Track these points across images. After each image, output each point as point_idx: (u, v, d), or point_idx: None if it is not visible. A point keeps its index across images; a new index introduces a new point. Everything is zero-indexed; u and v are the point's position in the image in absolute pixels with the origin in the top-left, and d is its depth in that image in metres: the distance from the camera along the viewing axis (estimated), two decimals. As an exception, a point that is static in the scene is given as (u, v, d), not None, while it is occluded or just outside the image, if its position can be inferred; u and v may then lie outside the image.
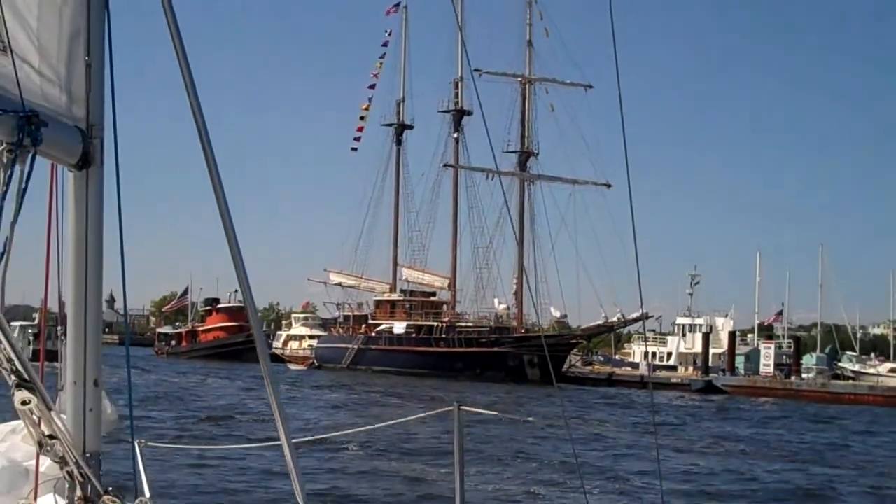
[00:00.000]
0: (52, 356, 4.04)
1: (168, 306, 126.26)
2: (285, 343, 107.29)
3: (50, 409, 3.40)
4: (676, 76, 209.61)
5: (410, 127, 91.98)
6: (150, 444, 6.49)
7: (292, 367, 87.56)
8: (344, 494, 19.10)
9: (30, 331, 53.37)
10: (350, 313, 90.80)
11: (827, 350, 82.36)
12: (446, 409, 6.30)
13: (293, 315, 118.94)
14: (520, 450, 26.77)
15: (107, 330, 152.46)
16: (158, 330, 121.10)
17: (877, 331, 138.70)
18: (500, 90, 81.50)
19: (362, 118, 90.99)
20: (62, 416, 3.52)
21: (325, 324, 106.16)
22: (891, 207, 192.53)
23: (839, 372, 71.59)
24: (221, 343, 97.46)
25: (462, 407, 6.07)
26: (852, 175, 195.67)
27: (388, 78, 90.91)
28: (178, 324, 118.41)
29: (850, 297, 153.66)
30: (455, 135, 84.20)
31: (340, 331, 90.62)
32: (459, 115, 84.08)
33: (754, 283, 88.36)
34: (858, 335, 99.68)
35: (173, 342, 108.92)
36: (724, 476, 24.70)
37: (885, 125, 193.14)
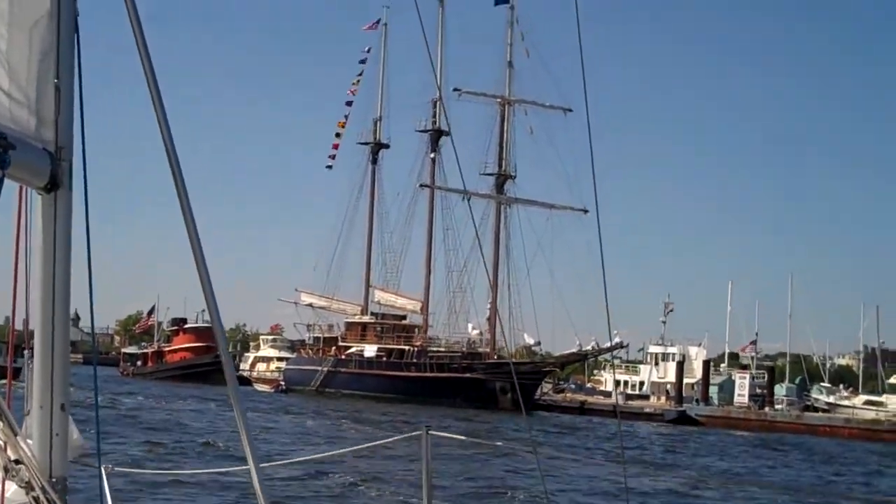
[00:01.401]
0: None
1: (138, 326, 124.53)
2: (253, 365, 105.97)
3: (16, 434, 3.46)
4: (655, 103, 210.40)
5: (387, 146, 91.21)
6: (117, 468, 6.41)
7: (259, 388, 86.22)
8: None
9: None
10: (320, 335, 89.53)
11: (797, 381, 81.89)
12: (415, 433, 6.28)
13: (261, 337, 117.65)
14: (489, 477, 26.06)
15: (71, 348, 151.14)
16: (124, 350, 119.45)
17: (842, 361, 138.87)
18: (479, 111, 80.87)
19: (338, 136, 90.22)
20: (28, 440, 3.54)
21: (293, 346, 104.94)
22: (861, 237, 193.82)
23: (809, 403, 71.07)
24: (188, 364, 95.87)
25: (431, 432, 6.09)
26: (824, 207, 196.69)
27: (366, 96, 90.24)
28: (143, 343, 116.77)
29: (819, 328, 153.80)
30: (432, 155, 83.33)
31: (310, 353, 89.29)
32: (437, 135, 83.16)
33: (726, 311, 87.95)
34: (832, 366, 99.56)
35: (139, 362, 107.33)
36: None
37: (853, 155, 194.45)
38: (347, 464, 25.14)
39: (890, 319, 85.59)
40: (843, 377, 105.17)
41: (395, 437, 9.63)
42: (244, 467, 3.80)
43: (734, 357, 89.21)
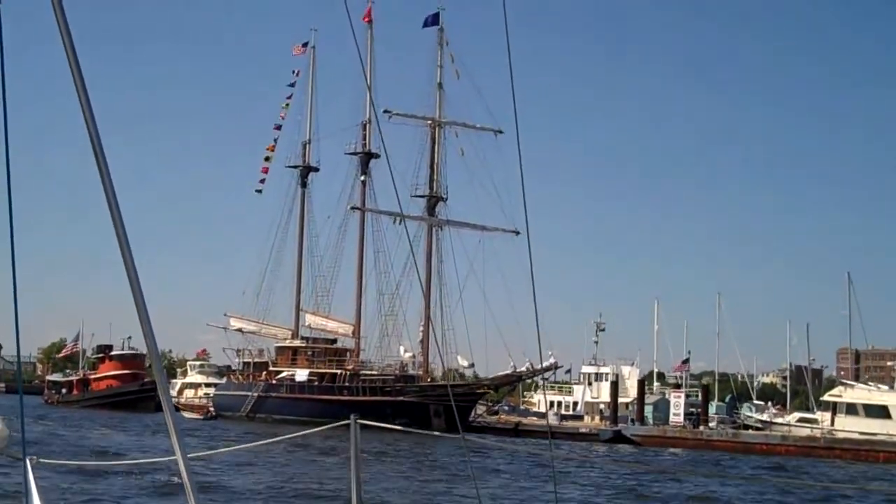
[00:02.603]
0: None
1: (62, 352, 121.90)
2: (181, 391, 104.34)
3: None
4: (582, 121, 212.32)
5: (316, 169, 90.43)
6: (42, 460, 6.35)
7: (187, 416, 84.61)
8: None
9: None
10: (250, 360, 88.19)
11: (726, 399, 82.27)
12: (344, 422, 6.50)
13: (188, 363, 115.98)
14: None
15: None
16: (48, 377, 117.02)
17: (766, 379, 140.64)
18: (410, 133, 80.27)
19: (267, 159, 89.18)
20: None
21: (221, 371, 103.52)
22: (786, 256, 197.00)
23: (739, 421, 71.34)
24: (115, 392, 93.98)
25: (359, 420, 6.33)
26: (749, 224, 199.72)
27: (295, 119, 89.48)
28: (68, 371, 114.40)
29: (744, 347, 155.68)
30: (362, 178, 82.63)
31: (240, 378, 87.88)
32: (367, 157, 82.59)
33: (653, 331, 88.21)
34: (755, 384, 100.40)
35: (64, 390, 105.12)
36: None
37: (783, 170, 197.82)
38: (281, 483, 24.67)
39: (812, 338, 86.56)
40: (768, 395, 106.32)
41: (326, 427, 9.82)
42: (172, 458, 3.74)
43: (661, 377, 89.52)
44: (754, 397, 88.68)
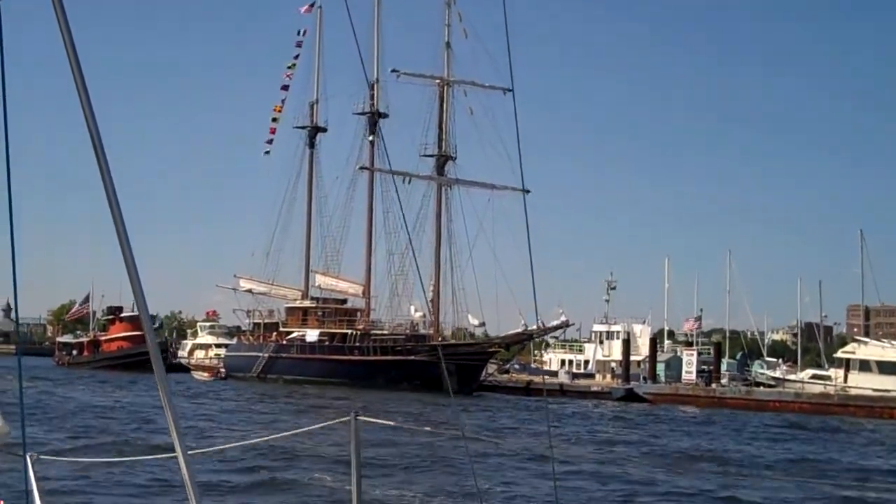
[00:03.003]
0: None
1: (69, 314, 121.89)
2: (191, 352, 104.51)
3: None
4: (593, 79, 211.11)
5: (324, 130, 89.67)
6: (42, 456, 6.30)
7: (197, 376, 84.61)
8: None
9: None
10: (260, 321, 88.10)
11: (737, 356, 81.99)
12: (344, 419, 6.44)
13: (198, 324, 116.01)
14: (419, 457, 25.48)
15: (2, 339, 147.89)
16: (59, 339, 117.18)
17: (776, 336, 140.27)
18: (419, 93, 79.60)
19: (275, 121, 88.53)
20: None
21: (231, 332, 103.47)
22: (793, 214, 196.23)
23: (750, 378, 71.10)
24: (125, 353, 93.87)
25: (359, 417, 6.23)
26: (760, 181, 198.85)
27: (302, 79, 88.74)
28: (78, 333, 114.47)
29: (754, 304, 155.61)
30: (370, 138, 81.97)
31: (250, 339, 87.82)
32: (375, 117, 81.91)
33: (664, 289, 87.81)
34: (767, 341, 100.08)
35: (75, 352, 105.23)
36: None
37: (789, 132, 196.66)
38: (280, 447, 24.48)
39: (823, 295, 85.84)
40: (778, 352, 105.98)
41: (325, 423, 9.57)
42: (172, 455, 3.75)
43: (671, 334, 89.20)
44: (765, 354, 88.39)
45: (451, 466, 24.45)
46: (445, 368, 69.76)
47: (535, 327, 70.35)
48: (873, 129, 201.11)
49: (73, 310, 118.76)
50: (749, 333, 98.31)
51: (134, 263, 3.56)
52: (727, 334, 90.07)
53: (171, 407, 3.72)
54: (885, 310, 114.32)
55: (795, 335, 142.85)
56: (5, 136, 3.55)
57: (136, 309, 69.67)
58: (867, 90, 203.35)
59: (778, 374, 70.61)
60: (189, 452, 3.77)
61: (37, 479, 5.40)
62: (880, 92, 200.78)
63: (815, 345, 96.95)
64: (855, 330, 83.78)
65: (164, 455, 10.41)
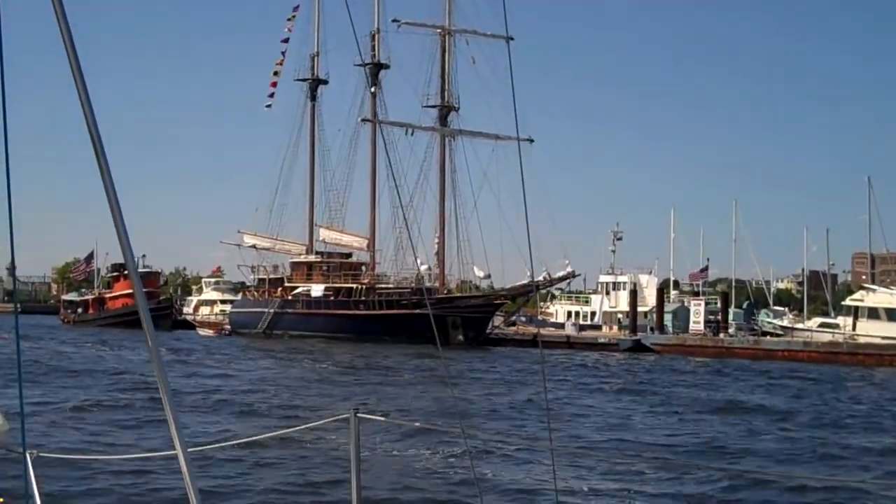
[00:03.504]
0: None
1: (74, 272, 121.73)
2: (196, 308, 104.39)
3: None
4: (598, 32, 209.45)
5: (325, 82, 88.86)
6: (42, 454, 6.34)
7: (202, 332, 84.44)
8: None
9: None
10: (265, 276, 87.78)
11: (744, 306, 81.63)
12: (343, 415, 6.44)
13: (203, 280, 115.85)
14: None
15: (6, 298, 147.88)
16: (64, 297, 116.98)
17: (780, 285, 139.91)
18: (420, 42, 78.68)
19: (276, 74, 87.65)
20: None
21: (236, 288, 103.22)
22: (798, 163, 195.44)
23: (757, 327, 70.70)
24: (130, 310, 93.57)
25: (359, 414, 6.20)
26: (767, 132, 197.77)
27: (302, 31, 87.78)
28: (83, 290, 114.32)
29: (760, 253, 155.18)
30: (372, 89, 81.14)
31: (255, 295, 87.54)
32: (376, 68, 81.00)
33: (669, 238, 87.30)
34: (772, 290, 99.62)
35: (80, 310, 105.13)
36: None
37: (795, 82, 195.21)
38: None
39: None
40: (783, 301, 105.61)
41: (324, 420, 9.37)
42: (172, 452, 3.74)
43: (676, 285, 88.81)
44: (771, 303, 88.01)
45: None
46: (451, 322, 69.41)
47: (541, 278, 69.93)
48: (878, 79, 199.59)
49: (79, 268, 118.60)
50: (754, 283, 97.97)
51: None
52: (733, 283, 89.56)
53: (170, 405, 3.69)
54: (891, 257, 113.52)
55: (801, 284, 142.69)
56: (3, 111, 3.49)
57: (140, 266, 69.52)
58: (869, 43, 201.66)
59: (786, 322, 70.23)
60: (189, 450, 3.78)
61: (36, 477, 5.39)
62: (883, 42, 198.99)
63: (821, 293, 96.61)
64: (863, 278, 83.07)
65: (164, 453, 10.34)
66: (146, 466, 19.53)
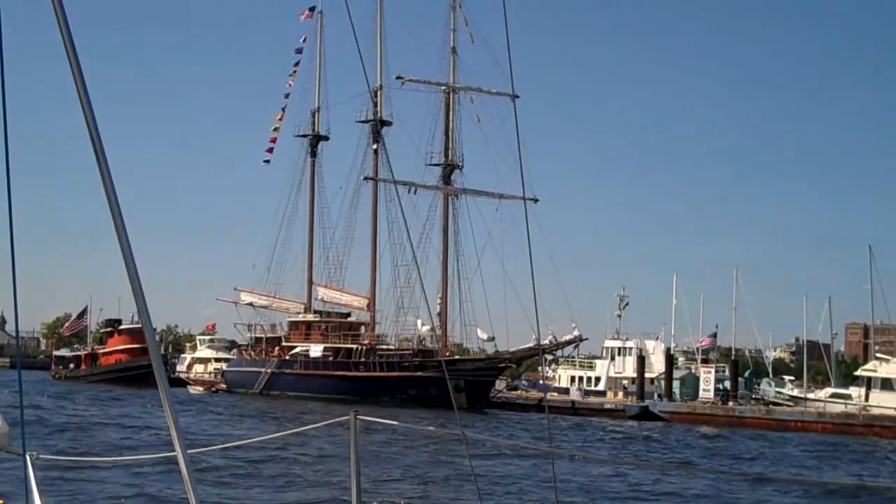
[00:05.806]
0: None
1: (66, 327, 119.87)
2: (190, 366, 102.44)
3: None
4: (606, 95, 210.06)
5: (326, 138, 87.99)
6: (42, 456, 6.29)
7: (192, 390, 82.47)
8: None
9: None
10: (262, 335, 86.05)
11: (746, 374, 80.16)
12: (344, 418, 6.51)
13: (198, 337, 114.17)
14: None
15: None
16: (55, 353, 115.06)
17: (774, 354, 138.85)
18: (424, 99, 77.70)
19: (276, 129, 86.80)
20: None
21: (231, 346, 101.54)
22: (801, 228, 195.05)
23: (759, 397, 69.28)
24: (124, 366, 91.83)
25: (359, 416, 6.30)
26: (770, 201, 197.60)
27: (303, 87, 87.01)
28: (76, 346, 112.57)
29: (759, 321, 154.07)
30: (374, 146, 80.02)
31: (252, 353, 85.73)
32: (379, 125, 79.94)
33: (671, 305, 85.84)
34: (770, 359, 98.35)
35: (72, 365, 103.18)
36: None
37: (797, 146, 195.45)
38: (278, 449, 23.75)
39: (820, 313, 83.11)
40: (779, 370, 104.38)
41: (325, 422, 9.16)
42: (172, 453, 3.71)
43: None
44: (770, 372, 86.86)
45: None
46: (454, 385, 67.63)
47: (546, 342, 68.30)
48: (879, 147, 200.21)
49: (70, 323, 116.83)
50: (747, 351, 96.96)
51: (135, 267, 3.47)
52: (734, 352, 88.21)
53: (170, 407, 3.66)
54: (882, 328, 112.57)
55: (793, 353, 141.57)
56: (5, 144, 3.53)
57: (136, 319, 68.27)
58: (869, 109, 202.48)
59: (795, 392, 68.81)
60: (189, 451, 3.70)
61: (37, 479, 5.44)
62: (884, 110, 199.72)
63: (814, 363, 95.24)
64: (876, 348, 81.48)
65: (163, 454, 10.21)
66: (146, 468, 19.96)
